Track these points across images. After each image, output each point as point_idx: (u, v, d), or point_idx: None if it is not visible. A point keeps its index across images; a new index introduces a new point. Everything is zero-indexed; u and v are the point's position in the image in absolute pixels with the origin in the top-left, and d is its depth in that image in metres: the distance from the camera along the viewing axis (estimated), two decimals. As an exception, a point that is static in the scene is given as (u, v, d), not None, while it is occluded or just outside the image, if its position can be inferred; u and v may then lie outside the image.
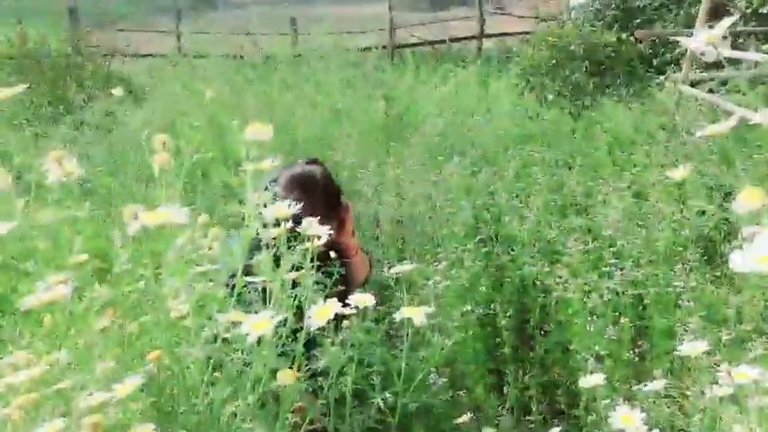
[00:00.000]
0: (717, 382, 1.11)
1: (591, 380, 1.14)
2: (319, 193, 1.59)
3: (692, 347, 0.99)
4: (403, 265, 2.53)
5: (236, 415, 0.73)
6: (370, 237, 2.94)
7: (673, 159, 3.04)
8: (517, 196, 3.10)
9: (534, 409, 2.15)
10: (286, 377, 0.84)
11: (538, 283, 2.53)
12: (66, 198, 0.88)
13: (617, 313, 2.25)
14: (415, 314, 0.94)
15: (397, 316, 0.95)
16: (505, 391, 2.19)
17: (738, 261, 0.52)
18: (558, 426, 1.98)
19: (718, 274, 2.40)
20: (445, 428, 1.83)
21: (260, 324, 0.72)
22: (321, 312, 0.83)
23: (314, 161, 1.71)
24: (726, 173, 2.62)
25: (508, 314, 2.40)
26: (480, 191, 3.21)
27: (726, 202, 2.72)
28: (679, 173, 0.73)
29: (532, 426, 2.14)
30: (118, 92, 1.31)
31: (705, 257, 2.55)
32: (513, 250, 2.76)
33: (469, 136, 3.95)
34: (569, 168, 3.39)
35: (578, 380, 1.15)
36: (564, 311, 2.30)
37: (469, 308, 2.26)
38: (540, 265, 2.58)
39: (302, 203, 0.95)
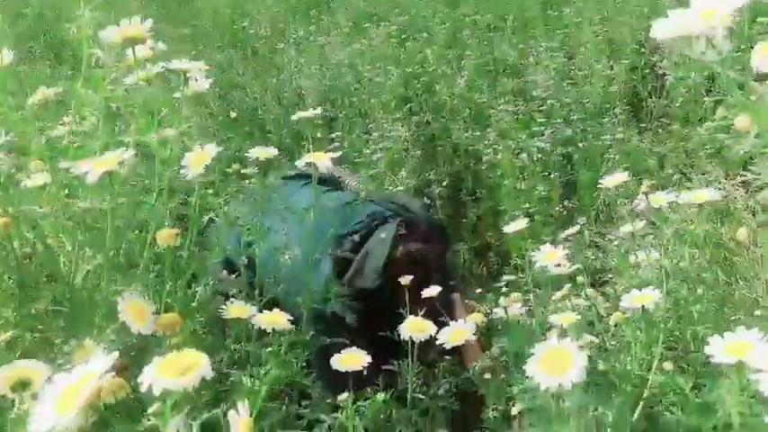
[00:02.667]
0: (636, 220, 1.10)
1: (514, 225, 1.11)
2: None
3: (613, 179, 0.95)
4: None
5: (97, 275, 0.64)
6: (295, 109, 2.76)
7: (603, 13, 2.95)
8: (448, 62, 2.97)
9: (467, 271, 2.19)
10: (164, 238, 0.73)
11: (469, 148, 2.49)
12: None
13: (546, 172, 2.26)
14: (319, 159, 0.85)
15: (300, 163, 0.85)
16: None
17: (659, 28, 0.43)
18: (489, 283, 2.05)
19: (644, 126, 2.42)
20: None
21: (104, 161, 0.61)
22: (198, 159, 0.72)
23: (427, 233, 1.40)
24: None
25: (444, 183, 2.38)
26: (410, 59, 3.04)
27: (653, 57, 2.70)
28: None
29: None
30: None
31: (632, 113, 2.57)
32: (444, 118, 2.69)
33: (398, 0, 3.68)
34: (501, 31, 3.24)
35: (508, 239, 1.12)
36: (494, 174, 2.29)
37: (404, 174, 2.22)
38: (470, 131, 2.54)
39: None
